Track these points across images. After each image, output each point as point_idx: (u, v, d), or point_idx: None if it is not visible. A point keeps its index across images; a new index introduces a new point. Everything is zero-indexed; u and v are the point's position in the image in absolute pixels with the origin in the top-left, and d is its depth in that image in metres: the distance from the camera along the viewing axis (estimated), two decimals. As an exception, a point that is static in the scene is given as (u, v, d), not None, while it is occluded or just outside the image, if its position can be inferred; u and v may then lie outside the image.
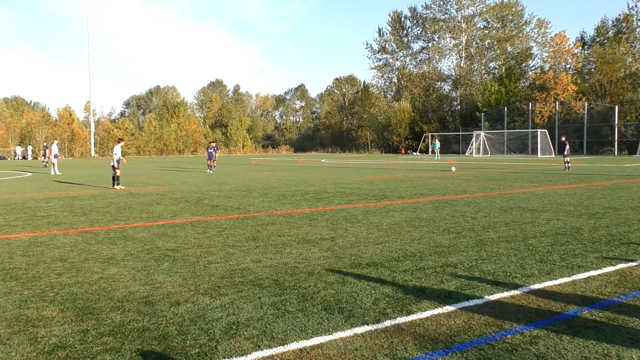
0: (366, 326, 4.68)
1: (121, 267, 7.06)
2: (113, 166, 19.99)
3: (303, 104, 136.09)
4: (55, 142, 36.23)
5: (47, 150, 44.82)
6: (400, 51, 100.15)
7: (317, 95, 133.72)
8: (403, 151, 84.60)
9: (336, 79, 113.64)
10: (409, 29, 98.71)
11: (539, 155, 60.19)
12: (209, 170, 31.85)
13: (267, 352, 4.14)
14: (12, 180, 26.97)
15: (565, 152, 29.46)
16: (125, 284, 6.16)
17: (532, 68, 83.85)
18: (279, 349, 4.19)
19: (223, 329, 4.66)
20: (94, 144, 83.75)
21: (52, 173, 31.51)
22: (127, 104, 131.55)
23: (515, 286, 5.91)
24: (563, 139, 31.26)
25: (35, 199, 16.24)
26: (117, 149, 20.38)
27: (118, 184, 20.09)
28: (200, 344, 4.33)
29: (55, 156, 33.26)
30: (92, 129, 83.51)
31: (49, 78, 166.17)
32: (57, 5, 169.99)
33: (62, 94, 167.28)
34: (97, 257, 7.66)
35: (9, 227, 10.69)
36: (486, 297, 5.53)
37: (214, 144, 34.56)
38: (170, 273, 6.68)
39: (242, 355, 4.10)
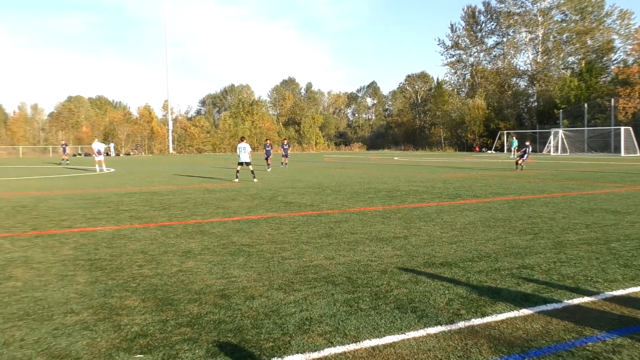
0: (439, 326, 4.63)
1: (198, 260, 7.27)
2: (247, 163, 22.37)
3: (375, 102, 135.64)
4: (96, 139, 36.95)
5: (66, 148, 46.74)
6: (473, 47, 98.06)
7: (389, 93, 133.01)
8: (477, 149, 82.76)
9: (408, 76, 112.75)
10: (483, 24, 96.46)
11: (622, 154, 57.44)
12: (268, 169, 31.82)
13: (339, 349, 4.16)
14: (96, 175, 28.30)
15: (524, 155, 29.82)
16: (203, 277, 6.35)
17: (615, 62, 79.84)
18: (352, 347, 4.21)
19: (296, 324, 4.72)
20: (172, 141, 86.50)
21: (98, 170, 31.75)
22: (203, 103, 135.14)
23: (597, 291, 5.68)
24: (527, 143, 31.77)
25: (117, 194, 16.96)
26: (248, 146, 22.98)
27: (254, 177, 22.41)
28: (274, 338, 4.41)
29: (99, 152, 33.23)
30: (170, 127, 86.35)
31: (129, 78, 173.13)
32: (136, 8, 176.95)
33: (142, 93, 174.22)
34: (175, 251, 7.93)
35: (94, 220, 11.22)
36: (565, 301, 5.34)
37: (269, 142, 34.94)
38: (245, 268, 6.82)
39: (315, 350, 4.14)
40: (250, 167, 22.73)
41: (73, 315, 4.98)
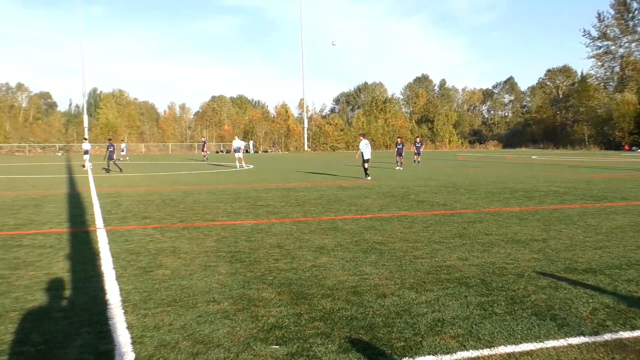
0: (582, 337, 4.36)
1: (331, 256, 7.41)
2: (367, 159, 22.37)
3: (512, 98, 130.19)
4: (236, 137, 38.23)
5: (206, 145, 48.90)
6: (624, 37, 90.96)
7: (528, 88, 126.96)
8: (627, 147, 76.70)
9: (549, 70, 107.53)
10: (636, 12, 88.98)
11: None
12: (397, 167, 31.46)
13: (472, 353, 4.06)
14: (236, 172, 29.77)
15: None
16: (335, 273, 6.47)
17: None
18: (486, 351, 4.09)
19: (428, 324, 4.67)
20: (307, 138, 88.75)
21: (238, 167, 32.92)
22: (337, 101, 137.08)
23: None
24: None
25: (256, 190, 17.72)
26: (369, 143, 23.20)
27: (368, 175, 22.37)
28: (406, 337, 4.39)
29: (239, 150, 34.14)
30: (306, 125, 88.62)
31: (268, 78, 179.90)
32: (275, 10, 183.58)
33: (279, 92, 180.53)
34: (309, 246, 8.14)
35: (234, 214, 11.82)
36: None
37: (400, 140, 34.51)
38: (377, 265, 6.86)
39: (447, 353, 4.07)
40: (365, 165, 22.48)
41: (215, 304, 5.29)
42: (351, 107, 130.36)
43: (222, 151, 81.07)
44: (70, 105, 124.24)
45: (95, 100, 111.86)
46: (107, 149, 29.52)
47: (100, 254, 7.64)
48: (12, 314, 5.02)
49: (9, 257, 7.50)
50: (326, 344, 4.26)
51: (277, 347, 4.20)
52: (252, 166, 35.40)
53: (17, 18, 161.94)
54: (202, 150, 49.34)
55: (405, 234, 9.14)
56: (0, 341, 4.35)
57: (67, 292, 5.74)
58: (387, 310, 5.08)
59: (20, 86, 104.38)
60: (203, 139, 54.74)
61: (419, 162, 36.11)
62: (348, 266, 6.83)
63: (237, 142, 34.99)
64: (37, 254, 7.65)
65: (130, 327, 4.65)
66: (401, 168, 30.84)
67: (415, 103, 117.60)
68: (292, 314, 4.99)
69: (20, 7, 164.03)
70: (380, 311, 5.04)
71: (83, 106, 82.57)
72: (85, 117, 77.58)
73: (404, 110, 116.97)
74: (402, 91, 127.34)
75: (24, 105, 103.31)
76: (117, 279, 6.24)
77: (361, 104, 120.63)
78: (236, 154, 34.20)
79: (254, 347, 4.21)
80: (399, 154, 32.64)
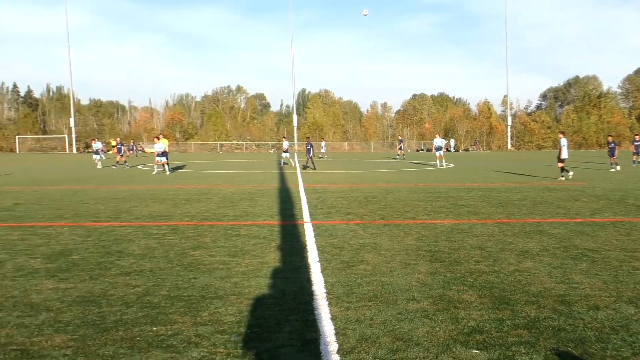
0: None
1: (536, 261, 7.04)
2: (563, 159, 21.95)
3: None
4: (437, 135, 37.52)
5: (403, 144, 47.86)
6: None
7: None
8: None
9: None
10: None
11: None
12: (612, 169, 28.34)
13: None
14: (436, 170, 29.57)
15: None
16: (541, 280, 6.13)
17: None
18: None
19: (650, 344, 4.23)
20: (511, 137, 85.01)
21: (439, 165, 32.65)
22: (544, 97, 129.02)
23: None
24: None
25: (456, 189, 17.43)
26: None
27: (567, 173, 21.88)
28: (623, 356, 4.02)
29: (438, 148, 34.16)
30: (509, 123, 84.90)
31: (469, 74, 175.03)
32: (476, 4, 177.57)
33: (480, 89, 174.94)
34: (512, 249, 7.81)
35: (434, 213, 11.75)
36: None
37: (611, 138, 31.24)
38: (588, 274, 6.36)
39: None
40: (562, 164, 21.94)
41: (414, 302, 5.33)
42: (559, 102, 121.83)
43: (422, 149, 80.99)
44: (281, 105, 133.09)
45: (303, 101, 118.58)
46: (306, 147, 31.60)
47: (307, 247, 8.11)
48: (231, 297, 5.55)
49: (229, 245, 8.30)
50: (530, 354, 4.08)
51: (477, 351, 4.11)
52: (452, 165, 34.88)
53: (239, 26, 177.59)
54: (399, 149, 49.52)
55: (622, 241, 8.34)
56: (222, 321, 4.84)
57: (278, 281, 6.19)
58: (600, 324, 4.69)
59: (239, 88, 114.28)
60: (400, 138, 55.01)
61: (639, 162, 32.64)
62: (555, 273, 6.43)
63: (438, 141, 35.00)
64: (252, 244, 8.37)
65: (334, 318, 4.87)
66: (618, 168, 28.12)
67: (635, 97, 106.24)
68: (494, 318, 4.84)
69: (241, 17, 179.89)
70: (592, 324, 4.68)
71: (292, 106, 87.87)
72: (295, 117, 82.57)
73: (621, 105, 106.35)
74: (620, 84, 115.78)
75: (242, 106, 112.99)
76: (322, 272, 6.58)
77: (571, 100, 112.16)
78: (437, 153, 34.17)
79: (454, 349, 4.16)
80: (611, 154, 29.68)
